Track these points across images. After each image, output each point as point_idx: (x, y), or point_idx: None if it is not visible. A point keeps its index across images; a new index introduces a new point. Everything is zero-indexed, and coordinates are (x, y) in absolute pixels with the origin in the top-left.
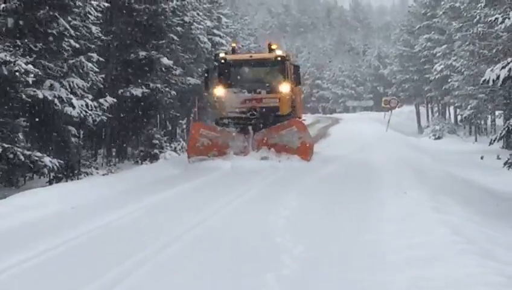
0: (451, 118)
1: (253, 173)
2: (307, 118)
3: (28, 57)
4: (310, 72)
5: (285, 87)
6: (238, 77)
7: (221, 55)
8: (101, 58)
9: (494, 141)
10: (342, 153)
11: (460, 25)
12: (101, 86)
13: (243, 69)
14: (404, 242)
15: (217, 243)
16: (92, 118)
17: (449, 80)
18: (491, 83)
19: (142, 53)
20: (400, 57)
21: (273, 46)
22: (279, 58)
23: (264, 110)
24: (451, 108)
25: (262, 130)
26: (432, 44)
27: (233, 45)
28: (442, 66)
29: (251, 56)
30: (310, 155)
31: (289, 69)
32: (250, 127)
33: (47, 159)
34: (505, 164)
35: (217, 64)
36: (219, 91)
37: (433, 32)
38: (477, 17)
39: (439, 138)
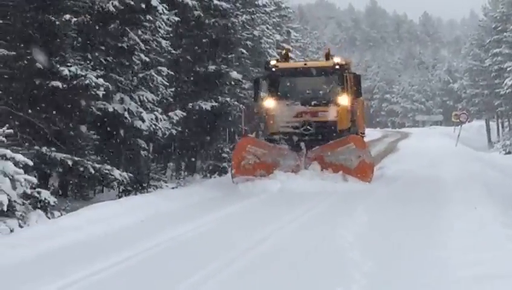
0: None
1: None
2: (376, 133)
3: (98, 70)
4: (379, 86)
5: (344, 99)
6: (291, 87)
7: (272, 62)
8: (170, 72)
9: None
10: (411, 167)
11: None
12: (171, 99)
13: (297, 78)
14: (473, 258)
15: (284, 258)
16: (162, 131)
17: None
18: None
19: (212, 67)
20: (470, 71)
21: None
22: (337, 67)
23: (320, 124)
24: None
25: (316, 147)
26: (503, 58)
27: (286, 50)
28: None
29: (306, 64)
30: (370, 176)
31: (348, 78)
32: (302, 144)
33: (117, 172)
34: None
35: (267, 73)
36: (269, 103)
37: (503, 46)
38: None
39: (509, 152)
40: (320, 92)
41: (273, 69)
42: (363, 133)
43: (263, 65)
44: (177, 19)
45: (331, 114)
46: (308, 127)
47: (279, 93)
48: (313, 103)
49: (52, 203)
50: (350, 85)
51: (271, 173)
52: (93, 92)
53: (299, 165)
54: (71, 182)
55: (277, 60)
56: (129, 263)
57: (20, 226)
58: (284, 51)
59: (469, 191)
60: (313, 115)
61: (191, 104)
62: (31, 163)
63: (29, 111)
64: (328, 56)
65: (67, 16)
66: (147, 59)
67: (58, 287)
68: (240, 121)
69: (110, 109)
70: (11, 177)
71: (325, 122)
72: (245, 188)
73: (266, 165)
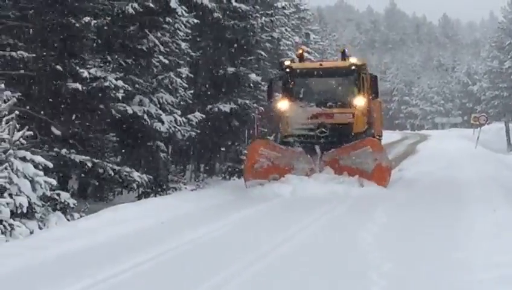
0: None
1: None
2: (396, 135)
3: (117, 72)
4: (398, 88)
5: (360, 101)
6: (306, 89)
7: (287, 63)
8: (190, 74)
9: None
10: (430, 169)
11: None
12: (190, 101)
13: (312, 79)
14: (494, 260)
15: (303, 260)
16: (181, 133)
17: None
18: None
19: (231, 69)
20: (489, 73)
21: (347, 53)
22: (353, 67)
23: (335, 127)
24: None
25: (331, 151)
26: None
27: (300, 50)
28: None
29: (321, 64)
30: (387, 180)
31: (365, 79)
32: (317, 147)
33: (136, 174)
34: None
35: (281, 73)
36: (283, 105)
37: None
38: None
39: None
40: (336, 93)
41: (288, 70)
42: (380, 136)
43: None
44: (196, 21)
45: (347, 116)
46: (323, 129)
47: (293, 94)
48: (328, 104)
49: (71, 205)
50: (367, 86)
51: (283, 177)
52: (112, 94)
53: (314, 168)
54: (90, 184)
55: (292, 61)
56: (149, 265)
57: (40, 228)
58: (299, 51)
59: (488, 193)
60: (328, 117)
61: (210, 106)
62: (50, 165)
63: (49, 113)
64: (344, 56)
65: (87, 19)
66: (166, 61)
67: (79, 289)
68: (259, 123)
69: (130, 111)
70: (30, 179)
71: (341, 124)
72: (257, 192)
73: (279, 169)
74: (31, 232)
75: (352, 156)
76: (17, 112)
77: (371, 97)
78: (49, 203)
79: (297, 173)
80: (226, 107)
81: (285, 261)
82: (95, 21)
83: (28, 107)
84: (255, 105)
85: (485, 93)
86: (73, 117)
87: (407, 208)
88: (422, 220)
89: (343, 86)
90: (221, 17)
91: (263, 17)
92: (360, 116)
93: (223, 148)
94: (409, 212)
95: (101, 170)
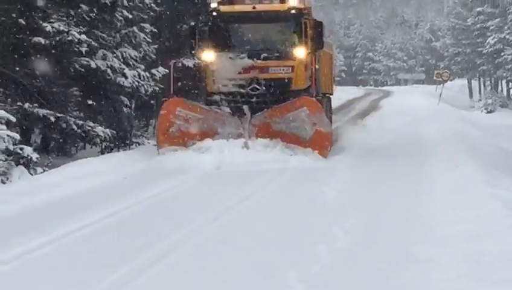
0: (504, 91)
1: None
2: (359, 91)
3: (81, 27)
4: (361, 44)
5: (301, 52)
6: (236, 37)
7: (213, 5)
8: (153, 29)
9: None
10: (393, 125)
11: None
12: (153, 56)
13: (243, 25)
14: (455, 216)
15: (265, 216)
16: (144, 88)
17: (502, 54)
18: None
19: (193, 23)
20: (452, 30)
21: None
22: (293, 11)
23: (270, 83)
24: (504, 82)
25: (262, 112)
26: (485, 17)
27: None
28: (495, 40)
29: (254, 7)
30: (327, 149)
31: (308, 26)
32: (246, 107)
33: (99, 129)
34: None
35: (207, 18)
36: (208, 56)
37: (486, 5)
38: None
39: (491, 111)
40: (272, 42)
41: (214, 13)
42: (331, 94)
43: None
44: None
45: (285, 70)
46: (256, 86)
47: (221, 43)
48: (262, 56)
49: (34, 159)
50: (310, 34)
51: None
52: (76, 49)
53: (243, 133)
54: (54, 138)
55: (219, 3)
56: (111, 220)
57: (3, 182)
58: None
59: (451, 149)
60: (262, 70)
61: (173, 61)
62: (13, 119)
63: (14, 67)
64: None
65: None
66: (130, 16)
67: (42, 243)
68: (176, 76)
69: (93, 66)
70: None
71: (278, 79)
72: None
73: (201, 133)
74: None
75: (287, 119)
76: None
77: (314, 47)
78: (12, 157)
79: (223, 138)
80: (189, 62)
81: (249, 216)
82: None
83: None
84: None
85: (448, 50)
86: (37, 71)
87: (371, 163)
88: (386, 176)
89: (280, 33)
90: None
91: None
92: (302, 70)
93: None
94: (373, 167)
95: (64, 125)
